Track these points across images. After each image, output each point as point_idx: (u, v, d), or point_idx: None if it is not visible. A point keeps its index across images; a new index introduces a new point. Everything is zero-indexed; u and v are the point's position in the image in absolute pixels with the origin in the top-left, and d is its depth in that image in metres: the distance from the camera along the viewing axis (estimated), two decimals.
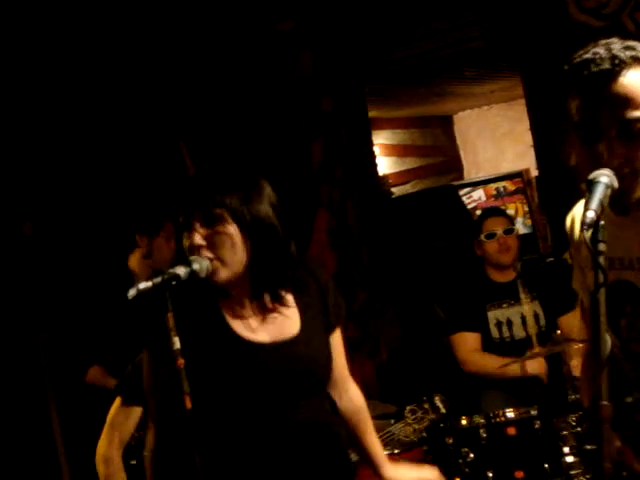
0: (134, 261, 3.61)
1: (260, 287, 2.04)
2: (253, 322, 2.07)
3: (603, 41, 1.74)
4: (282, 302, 2.08)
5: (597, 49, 1.72)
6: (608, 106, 1.69)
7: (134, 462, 2.68)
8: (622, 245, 1.82)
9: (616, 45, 1.72)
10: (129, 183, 4.99)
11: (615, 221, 1.72)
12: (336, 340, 2.23)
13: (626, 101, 1.69)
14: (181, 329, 1.86)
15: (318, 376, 2.11)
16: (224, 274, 1.98)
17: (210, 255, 1.96)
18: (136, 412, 2.23)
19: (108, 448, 2.28)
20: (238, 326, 2.04)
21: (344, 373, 2.28)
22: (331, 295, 2.19)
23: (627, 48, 1.72)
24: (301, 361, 2.06)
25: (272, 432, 2.02)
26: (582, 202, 1.98)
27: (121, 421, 2.26)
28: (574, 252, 2.07)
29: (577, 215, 2.02)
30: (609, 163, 1.69)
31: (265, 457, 2.01)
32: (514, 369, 3.81)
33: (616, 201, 1.67)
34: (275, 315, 2.08)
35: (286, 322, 2.09)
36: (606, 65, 1.69)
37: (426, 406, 3.41)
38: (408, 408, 3.46)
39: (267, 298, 2.07)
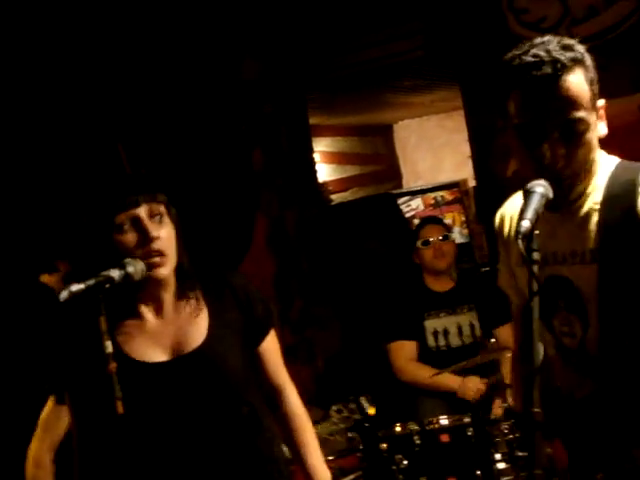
0: (54, 281, 3.74)
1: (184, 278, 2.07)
2: (153, 338, 2.02)
3: (538, 40, 1.77)
4: (192, 299, 2.07)
5: (536, 51, 1.74)
6: (552, 109, 1.72)
7: None
8: (555, 241, 1.86)
9: (554, 45, 1.75)
10: (65, 187, 4.90)
11: (548, 217, 1.75)
12: (270, 346, 2.20)
13: (569, 103, 1.73)
14: (72, 358, 1.93)
15: (227, 387, 2.04)
16: (169, 267, 2.00)
17: (159, 248, 1.96)
18: (67, 412, 2.17)
19: (39, 450, 2.22)
20: (133, 348, 2.00)
21: (281, 379, 2.24)
22: (255, 303, 2.16)
23: (565, 48, 1.75)
24: (203, 375, 2.01)
25: (187, 451, 1.97)
26: (512, 200, 2.02)
27: (53, 422, 2.19)
28: (502, 250, 2.11)
29: (507, 213, 2.06)
30: (552, 164, 1.73)
31: (180, 476, 1.97)
32: (447, 383, 3.85)
33: (549, 200, 1.69)
34: (181, 324, 2.05)
35: (191, 332, 2.04)
36: (548, 69, 1.71)
37: (352, 406, 3.42)
38: (334, 408, 3.46)
39: (182, 296, 2.07)
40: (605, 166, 1.85)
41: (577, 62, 1.75)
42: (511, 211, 2.03)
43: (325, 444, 3.39)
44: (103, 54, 4.93)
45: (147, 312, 2.04)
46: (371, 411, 3.41)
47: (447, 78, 6.51)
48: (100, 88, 4.99)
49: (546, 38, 1.77)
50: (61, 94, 4.89)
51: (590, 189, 1.83)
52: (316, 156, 6.25)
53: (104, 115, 5.06)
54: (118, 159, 5.07)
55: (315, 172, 6.04)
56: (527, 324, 1.50)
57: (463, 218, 7.77)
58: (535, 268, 1.52)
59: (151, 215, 1.97)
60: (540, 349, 1.48)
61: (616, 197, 1.79)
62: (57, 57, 4.80)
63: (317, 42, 5.20)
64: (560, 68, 1.71)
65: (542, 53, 1.72)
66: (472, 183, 6.82)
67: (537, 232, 1.54)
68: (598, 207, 1.81)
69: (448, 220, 7.54)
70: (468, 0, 4.67)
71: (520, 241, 1.51)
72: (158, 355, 2.01)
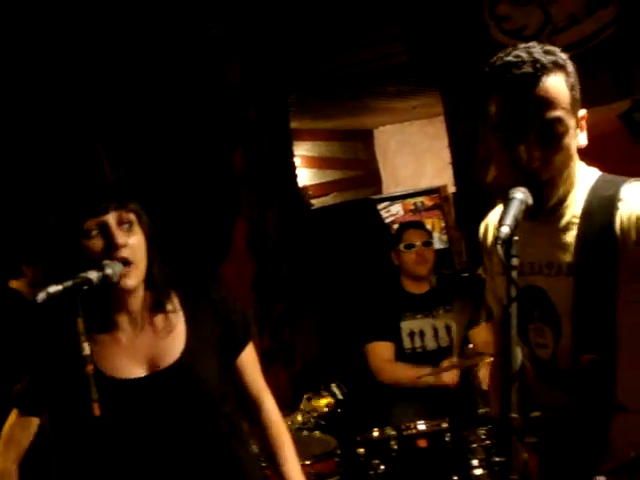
0: (21, 286, 3.72)
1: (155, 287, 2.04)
2: (129, 353, 2.00)
3: (522, 45, 1.78)
4: (167, 312, 2.04)
5: (518, 52, 1.75)
6: (530, 108, 1.73)
7: None
8: (531, 250, 1.85)
9: (536, 49, 1.76)
10: (45, 188, 4.86)
11: (525, 226, 1.72)
12: (248, 357, 2.19)
13: (547, 104, 1.73)
14: (46, 363, 1.93)
15: (205, 401, 2.03)
16: (136, 276, 1.97)
17: (125, 255, 1.93)
18: (34, 424, 2.13)
19: (5, 463, 2.18)
20: (107, 363, 1.98)
21: (258, 386, 2.23)
22: (235, 316, 2.14)
23: (547, 52, 1.76)
24: (181, 390, 1.99)
25: (165, 467, 1.96)
26: (496, 210, 2.02)
27: (18, 435, 2.15)
28: (486, 259, 2.11)
29: (491, 223, 2.06)
30: (527, 166, 1.72)
31: None
32: (426, 379, 3.85)
33: (529, 207, 1.69)
34: (157, 337, 2.03)
35: (167, 346, 2.02)
36: (528, 69, 1.72)
37: (324, 394, 3.41)
38: (305, 396, 3.45)
39: (157, 308, 2.04)
40: (585, 178, 1.84)
41: (558, 65, 1.76)
42: (494, 221, 2.02)
43: (301, 444, 3.39)
44: (85, 55, 4.91)
45: (120, 325, 2.01)
46: (337, 391, 3.40)
47: (429, 84, 6.53)
48: (81, 90, 4.96)
49: (530, 43, 1.79)
50: (40, 95, 4.86)
51: (569, 200, 1.82)
52: (297, 160, 6.24)
53: (84, 117, 5.03)
54: (98, 161, 5.04)
55: (295, 176, 6.04)
56: (505, 330, 1.50)
57: (443, 224, 7.79)
58: (514, 274, 1.52)
59: (120, 222, 1.95)
60: (518, 354, 1.49)
61: (595, 212, 1.78)
62: (37, 58, 4.77)
63: (299, 45, 5.20)
64: (540, 68, 1.72)
65: (523, 54, 1.74)
66: (452, 189, 6.83)
67: (516, 238, 1.55)
68: (577, 221, 1.80)
69: (427, 226, 7.55)
70: (450, 7, 4.69)
71: (499, 247, 1.52)
72: (134, 371, 1.99)
